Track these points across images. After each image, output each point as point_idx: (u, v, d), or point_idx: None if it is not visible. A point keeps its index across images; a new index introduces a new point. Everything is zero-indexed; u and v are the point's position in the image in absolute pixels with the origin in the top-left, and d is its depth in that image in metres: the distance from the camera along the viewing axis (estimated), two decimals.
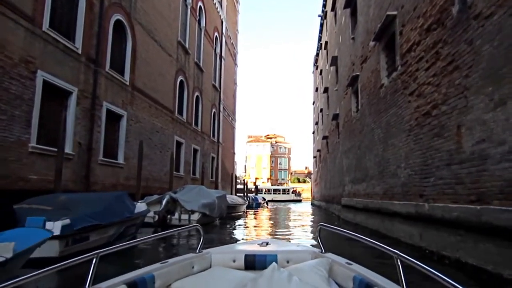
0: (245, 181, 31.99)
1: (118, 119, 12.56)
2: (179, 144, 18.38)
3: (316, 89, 32.91)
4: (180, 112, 18.61)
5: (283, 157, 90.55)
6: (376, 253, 2.43)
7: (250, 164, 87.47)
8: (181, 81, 18.66)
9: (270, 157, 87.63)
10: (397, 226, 7.21)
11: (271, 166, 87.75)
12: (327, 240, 2.36)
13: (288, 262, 2.16)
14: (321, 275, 1.84)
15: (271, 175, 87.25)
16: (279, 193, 55.36)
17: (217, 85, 26.55)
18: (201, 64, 22.14)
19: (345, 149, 14.28)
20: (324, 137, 23.18)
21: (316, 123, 32.38)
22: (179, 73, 18.27)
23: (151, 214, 10.50)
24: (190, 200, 11.21)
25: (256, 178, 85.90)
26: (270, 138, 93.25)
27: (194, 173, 20.64)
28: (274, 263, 1.90)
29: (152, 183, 14.90)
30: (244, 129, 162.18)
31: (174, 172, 17.44)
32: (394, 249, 1.44)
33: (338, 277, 1.95)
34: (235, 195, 27.00)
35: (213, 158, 25.47)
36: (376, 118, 9.11)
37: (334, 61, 17.47)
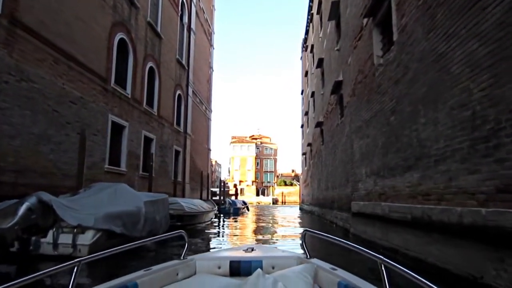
0: (223, 182, 26.67)
1: None
2: (118, 128, 13.04)
3: (306, 73, 28.08)
4: (121, 83, 13.30)
5: (269, 158, 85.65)
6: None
7: (234, 166, 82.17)
8: (122, 40, 13.37)
9: (255, 158, 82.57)
10: None
11: (256, 168, 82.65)
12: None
13: (273, 268, 2.11)
14: (306, 281, 1.81)
15: (256, 178, 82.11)
16: None
17: (184, 62, 21.32)
18: (158, 29, 16.91)
19: (357, 126, 9.30)
20: (318, 124, 18.21)
21: (306, 113, 27.51)
22: (118, 28, 12.99)
23: None
24: (80, 208, 5.95)
25: (240, 181, 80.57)
26: (255, 138, 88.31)
27: (145, 170, 15.27)
28: (259, 269, 1.82)
29: (60, 180, 9.51)
30: (229, 131, 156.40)
31: (110, 167, 12.18)
32: None
33: (323, 283, 1.93)
34: (208, 198, 21.86)
35: (177, 152, 20.15)
36: (462, 21, 4.11)
37: (334, 11, 12.55)
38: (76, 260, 1.41)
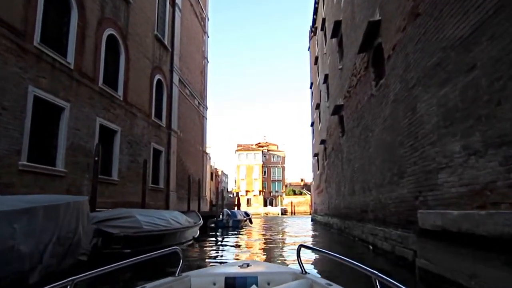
0: (219, 190, 22.40)
1: None
2: (50, 109, 8.96)
3: (316, 61, 23.95)
4: (56, 45, 9.26)
5: (276, 166, 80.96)
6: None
7: (240, 176, 77.73)
8: None
9: (262, 167, 77.98)
10: None
11: (263, 177, 77.97)
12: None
13: (268, 284, 2.09)
14: None
15: (263, 187, 77.40)
16: None
17: (166, 41, 17.36)
18: None
19: (428, 67, 5.02)
20: (336, 110, 13.89)
21: (318, 106, 23.23)
22: None
23: None
24: None
25: (247, 191, 76.02)
26: (262, 146, 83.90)
27: (106, 172, 11.12)
28: (254, 285, 1.85)
29: None
30: (235, 140, 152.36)
31: (31, 164, 8.09)
32: None
33: None
34: (199, 209, 17.63)
35: (157, 152, 15.99)
36: None
37: None
38: (69, 279, 1.38)
